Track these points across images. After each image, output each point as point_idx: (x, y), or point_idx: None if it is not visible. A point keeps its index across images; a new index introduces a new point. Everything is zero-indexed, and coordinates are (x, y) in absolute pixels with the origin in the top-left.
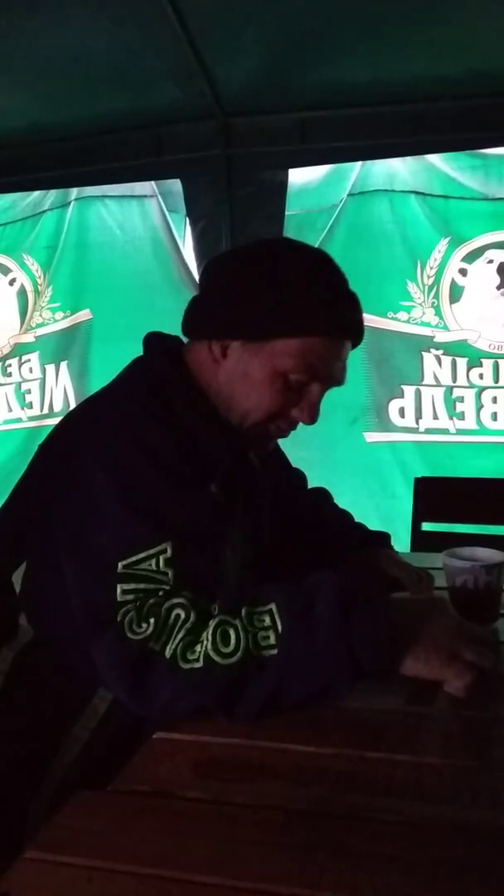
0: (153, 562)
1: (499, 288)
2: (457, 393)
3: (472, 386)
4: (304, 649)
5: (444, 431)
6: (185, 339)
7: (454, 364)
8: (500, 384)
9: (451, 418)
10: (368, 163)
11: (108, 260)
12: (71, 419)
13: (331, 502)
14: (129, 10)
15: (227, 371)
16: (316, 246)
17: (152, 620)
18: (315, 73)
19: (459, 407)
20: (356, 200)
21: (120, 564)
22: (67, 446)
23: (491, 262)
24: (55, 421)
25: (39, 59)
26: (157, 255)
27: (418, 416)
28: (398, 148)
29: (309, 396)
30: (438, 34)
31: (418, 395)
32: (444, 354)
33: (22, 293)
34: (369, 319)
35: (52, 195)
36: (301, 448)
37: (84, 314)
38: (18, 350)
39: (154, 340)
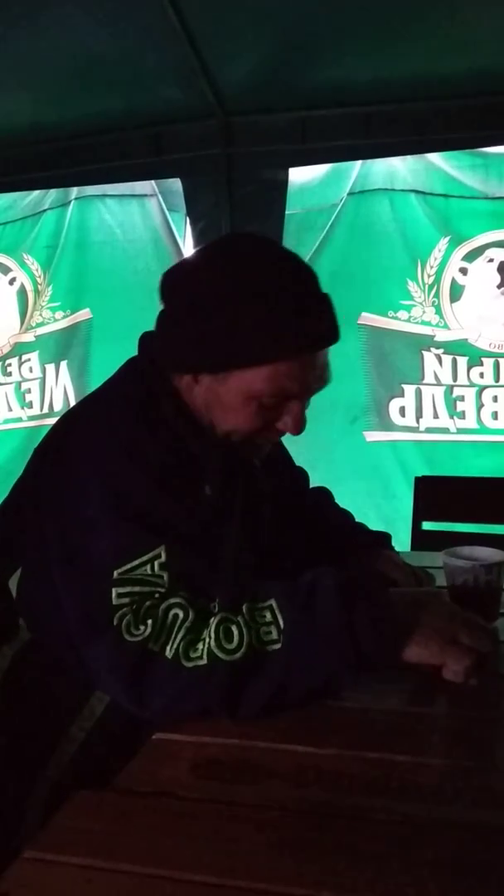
0: (148, 567)
1: (499, 287)
2: (457, 392)
3: (472, 385)
4: (307, 642)
5: (445, 431)
6: None
7: (455, 363)
8: (500, 383)
9: (451, 417)
10: (369, 162)
11: (109, 259)
12: (64, 422)
13: (332, 502)
14: (129, 10)
15: (202, 397)
16: (316, 245)
17: (150, 622)
18: (315, 72)
19: (460, 406)
20: (356, 199)
21: (115, 572)
22: (60, 451)
23: (491, 260)
24: (54, 420)
25: (40, 58)
26: (157, 254)
27: (419, 415)
28: (398, 147)
29: (290, 411)
30: (439, 33)
31: (419, 394)
32: (444, 353)
33: (22, 292)
34: (370, 319)
35: (52, 194)
36: (301, 447)
37: (84, 313)
38: (18, 349)
39: (148, 342)
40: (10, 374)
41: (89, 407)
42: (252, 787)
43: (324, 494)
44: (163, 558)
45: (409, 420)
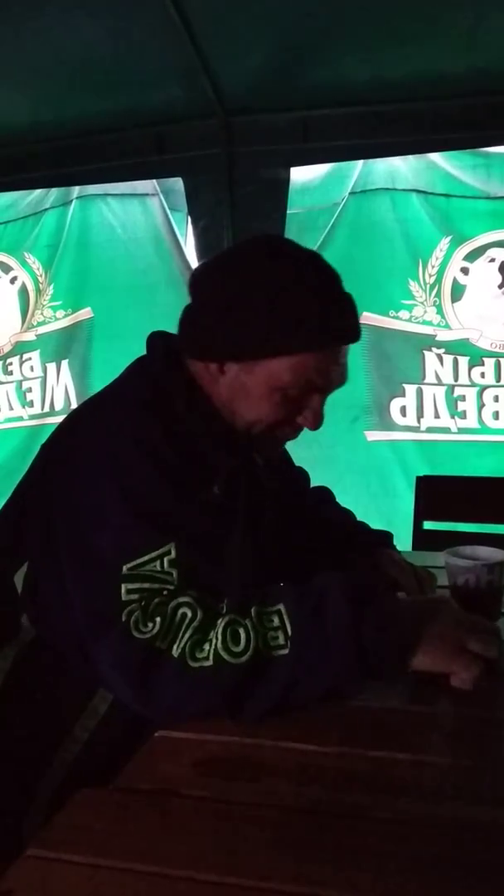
0: (157, 563)
1: (500, 287)
2: (458, 392)
3: (473, 385)
4: (314, 650)
5: (446, 430)
6: None
7: (456, 363)
8: (501, 383)
9: (452, 417)
10: (370, 161)
11: (110, 258)
12: (73, 420)
13: (333, 502)
14: (131, 9)
15: (226, 386)
16: (318, 244)
17: (158, 619)
18: (317, 71)
19: (461, 406)
20: (358, 199)
21: (124, 567)
22: (69, 447)
23: (493, 260)
24: (56, 419)
25: (42, 57)
26: (158, 253)
27: (420, 414)
28: (400, 146)
29: (311, 405)
30: (440, 33)
31: (420, 393)
32: (445, 353)
33: (23, 291)
34: (371, 318)
35: (54, 193)
36: (302, 447)
37: (85, 312)
38: (19, 348)
39: (157, 341)
40: (11, 373)
41: (99, 405)
42: (253, 785)
43: (325, 494)
44: (172, 555)
45: (411, 420)
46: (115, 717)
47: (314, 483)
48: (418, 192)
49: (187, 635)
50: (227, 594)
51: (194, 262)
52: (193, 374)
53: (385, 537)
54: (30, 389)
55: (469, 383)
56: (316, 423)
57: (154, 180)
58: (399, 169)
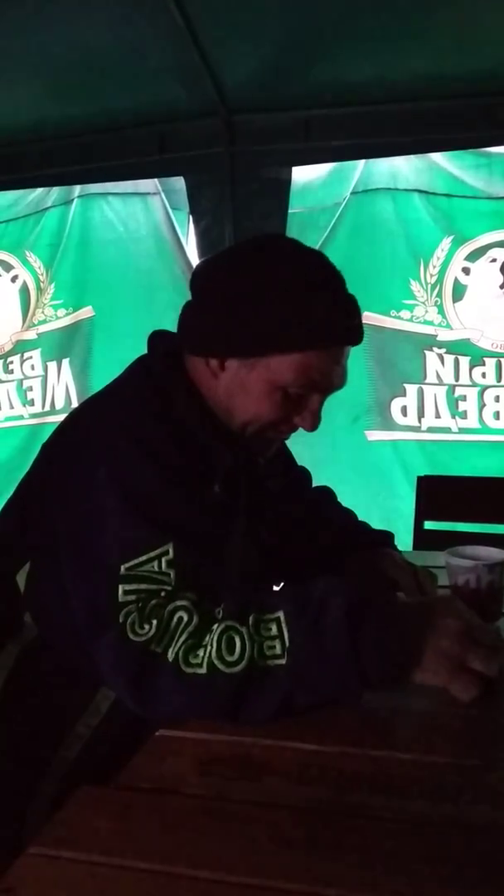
0: (155, 563)
1: (502, 287)
2: (459, 392)
3: (474, 385)
4: (311, 663)
5: (447, 430)
6: None
7: (457, 363)
8: (502, 383)
9: (453, 417)
10: (372, 161)
11: (111, 257)
12: (73, 419)
13: (334, 501)
14: (133, 8)
15: (226, 384)
16: (319, 244)
17: (154, 622)
18: (319, 71)
19: (462, 406)
20: (359, 199)
21: (122, 567)
22: (69, 446)
23: (494, 260)
24: (57, 418)
25: (43, 56)
26: (160, 252)
27: (421, 414)
28: (402, 146)
29: (310, 405)
30: (443, 32)
31: (421, 393)
32: (446, 353)
33: (24, 290)
34: (372, 318)
35: (56, 192)
36: (303, 446)
37: (86, 311)
38: (20, 347)
39: (158, 340)
40: (11, 372)
41: (100, 403)
42: (255, 784)
43: (326, 494)
44: (170, 555)
45: (411, 419)
46: (116, 716)
47: (315, 483)
48: (420, 191)
49: (182, 639)
50: (224, 597)
51: (196, 261)
52: (192, 373)
53: (386, 537)
54: (30, 388)
55: (470, 383)
56: (314, 424)
57: (156, 179)
58: (400, 169)
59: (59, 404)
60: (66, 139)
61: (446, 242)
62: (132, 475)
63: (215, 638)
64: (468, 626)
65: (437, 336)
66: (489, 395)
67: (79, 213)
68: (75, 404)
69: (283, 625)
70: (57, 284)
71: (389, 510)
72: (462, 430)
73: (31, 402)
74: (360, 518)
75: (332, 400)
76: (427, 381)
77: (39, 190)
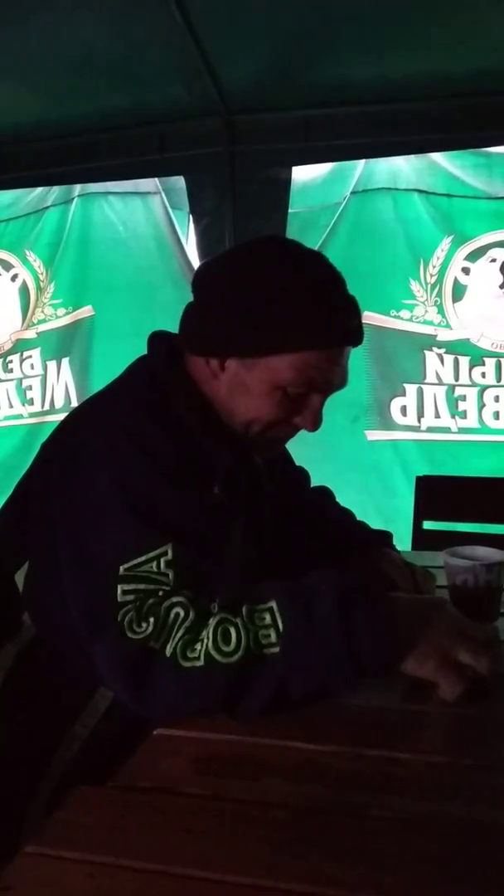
0: (154, 564)
1: (502, 287)
2: (459, 392)
3: (474, 385)
4: (305, 648)
5: (446, 430)
6: None
7: (456, 363)
8: (502, 383)
9: (453, 417)
10: (372, 161)
11: (111, 256)
12: (73, 419)
13: (333, 501)
14: (133, 7)
15: (226, 384)
16: (319, 243)
17: (152, 620)
18: (319, 71)
19: (461, 406)
20: (359, 198)
21: (121, 568)
22: (69, 447)
23: (494, 260)
24: (56, 417)
25: (43, 55)
26: (160, 251)
27: (420, 414)
28: (402, 146)
29: (311, 405)
30: (443, 32)
31: (420, 393)
32: (446, 353)
33: (24, 289)
34: (372, 318)
35: (56, 192)
36: (302, 446)
37: (86, 310)
38: (20, 346)
39: (158, 340)
40: (11, 371)
41: (100, 404)
42: (253, 784)
43: (325, 494)
44: (169, 556)
45: (411, 419)
46: (115, 715)
47: (314, 482)
48: (420, 191)
49: (179, 635)
50: (219, 592)
51: (196, 261)
52: (193, 373)
53: (384, 537)
54: (30, 387)
55: (470, 383)
56: (315, 424)
57: (156, 179)
58: (401, 169)
59: (59, 403)
60: (67, 138)
61: (446, 242)
62: (132, 476)
63: (211, 631)
64: (459, 620)
65: (436, 336)
66: (489, 395)
67: (79, 212)
68: (75, 404)
69: (277, 613)
70: (57, 283)
71: (389, 510)
72: (462, 430)
73: (31, 402)
74: (360, 518)
75: (332, 400)
76: (427, 380)
77: (39, 189)
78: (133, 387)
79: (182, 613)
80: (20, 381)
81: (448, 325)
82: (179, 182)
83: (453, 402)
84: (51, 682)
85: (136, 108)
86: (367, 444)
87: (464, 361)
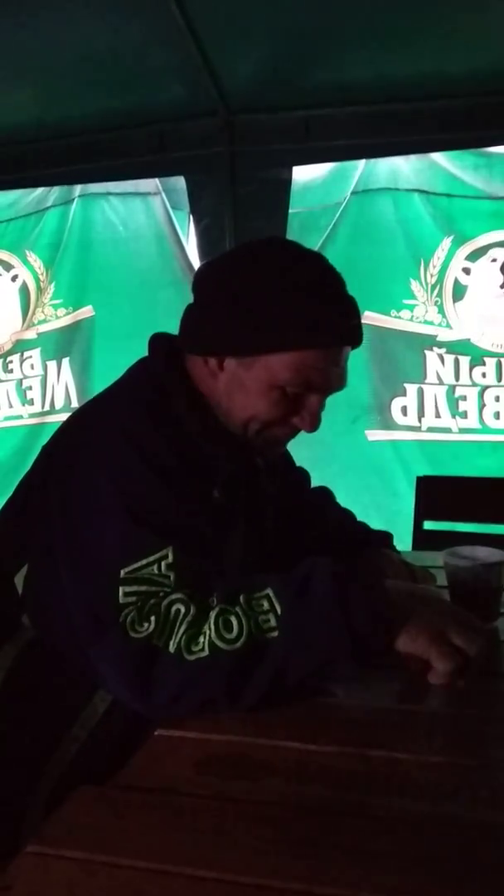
0: (155, 567)
1: (502, 287)
2: (459, 392)
3: (474, 385)
4: (304, 626)
5: (447, 430)
6: None
7: (457, 363)
8: (502, 383)
9: (453, 417)
10: (372, 161)
11: (112, 257)
12: (74, 421)
13: (333, 502)
14: (133, 7)
15: (225, 383)
16: (319, 243)
17: (153, 618)
18: (319, 71)
19: (462, 406)
20: (360, 198)
21: (122, 571)
22: (70, 450)
23: (494, 260)
24: (56, 418)
25: (43, 55)
26: (160, 252)
27: (421, 414)
28: (402, 146)
29: (309, 406)
30: (443, 32)
31: (421, 393)
32: (446, 353)
33: (24, 289)
34: (372, 318)
35: (56, 192)
36: (303, 446)
37: (86, 311)
38: (20, 346)
39: (159, 342)
40: (11, 371)
41: (100, 406)
42: (252, 784)
43: (325, 494)
44: (170, 559)
45: (412, 419)
46: (114, 717)
47: (315, 483)
48: (420, 191)
49: (182, 630)
50: (216, 587)
51: (196, 261)
52: (192, 373)
53: (385, 538)
54: (30, 388)
55: (470, 383)
56: (313, 424)
57: (156, 179)
58: (401, 169)
59: (59, 404)
60: (67, 138)
61: (446, 242)
62: (132, 479)
63: (212, 622)
64: (453, 607)
65: (437, 336)
66: (489, 395)
67: (79, 212)
68: (75, 404)
69: (274, 598)
70: (57, 284)
71: (389, 510)
72: (462, 430)
73: (31, 402)
74: (360, 518)
75: (332, 400)
76: (427, 380)
77: (39, 189)
78: (133, 389)
79: (183, 610)
80: (20, 381)
81: (448, 325)
82: (179, 182)
83: (454, 402)
84: (50, 683)
85: (136, 109)
86: (367, 445)
87: (464, 361)
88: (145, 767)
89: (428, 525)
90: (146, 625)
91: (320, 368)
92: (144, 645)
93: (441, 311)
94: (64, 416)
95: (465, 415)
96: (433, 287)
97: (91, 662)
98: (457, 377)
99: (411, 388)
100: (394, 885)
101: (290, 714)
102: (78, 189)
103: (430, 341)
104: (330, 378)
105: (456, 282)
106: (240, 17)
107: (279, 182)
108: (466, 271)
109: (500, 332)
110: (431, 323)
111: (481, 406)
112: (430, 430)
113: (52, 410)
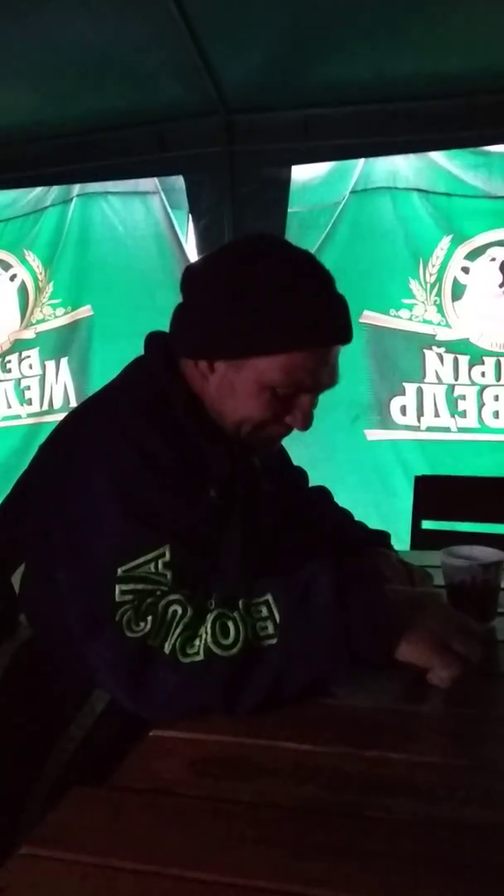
0: (152, 565)
1: (501, 286)
2: (458, 391)
3: (473, 384)
4: (303, 637)
5: (446, 429)
6: None
7: (456, 362)
8: (501, 382)
9: (452, 416)
10: (371, 160)
11: (110, 256)
12: (71, 421)
13: (331, 501)
14: (133, 7)
15: (216, 385)
16: (318, 243)
17: (150, 618)
18: (318, 70)
19: (461, 405)
20: (359, 198)
21: (119, 569)
22: (67, 449)
23: (493, 260)
24: (54, 418)
25: (43, 55)
26: (159, 251)
27: (420, 413)
28: (401, 145)
29: (300, 405)
30: (442, 31)
31: (420, 392)
32: (445, 352)
33: (23, 289)
34: (371, 317)
35: (55, 191)
36: (302, 446)
37: (85, 310)
38: (18, 346)
39: (154, 341)
40: (9, 371)
41: (97, 405)
42: (248, 785)
43: (323, 494)
44: (167, 557)
45: (411, 419)
46: (110, 717)
47: (314, 482)
48: (419, 191)
49: (178, 632)
50: (215, 589)
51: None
52: (186, 374)
53: (382, 537)
54: (28, 387)
55: (469, 382)
56: (305, 423)
57: (155, 178)
58: (400, 168)
59: (58, 404)
60: (66, 138)
61: (446, 241)
62: (129, 477)
63: (209, 626)
64: (452, 613)
65: (436, 335)
66: (488, 395)
67: (78, 212)
68: (74, 404)
69: (273, 605)
70: (55, 283)
71: (388, 509)
72: (461, 430)
73: (29, 402)
74: (359, 517)
75: (331, 399)
76: (426, 380)
77: (38, 189)
78: (130, 388)
79: (180, 611)
80: (18, 381)
81: (448, 325)
82: (179, 182)
83: (453, 401)
84: (47, 682)
85: (135, 108)
86: (366, 444)
87: (463, 361)
88: (140, 768)
89: (426, 524)
90: (142, 624)
91: (310, 369)
92: (140, 644)
93: (440, 310)
94: (62, 416)
95: (464, 414)
96: (432, 286)
97: (88, 661)
98: (456, 376)
99: (410, 388)
100: (388, 885)
101: (284, 714)
102: (76, 188)
103: (430, 340)
104: (320, 377)
105: (455, 281)
106: (239, 17)
107: (278, 181)
108: (465, 270)
109: (500, 331)
110: (430, 322)
111: (480, 405)
112: (429, 429)
113: (51, 410)
